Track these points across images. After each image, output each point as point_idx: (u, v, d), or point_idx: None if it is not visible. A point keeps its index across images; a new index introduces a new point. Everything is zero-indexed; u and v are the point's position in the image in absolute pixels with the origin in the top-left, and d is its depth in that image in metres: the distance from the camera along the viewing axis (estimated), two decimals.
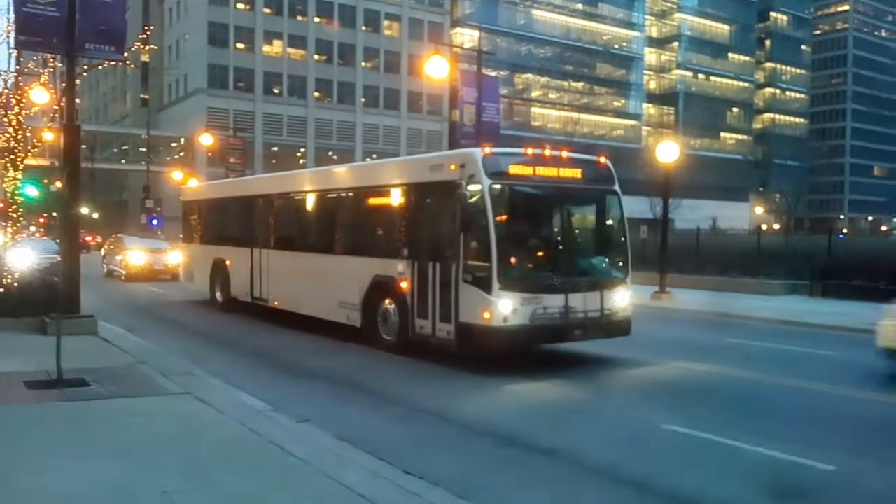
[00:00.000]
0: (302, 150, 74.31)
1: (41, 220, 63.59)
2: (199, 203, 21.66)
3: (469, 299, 10.96)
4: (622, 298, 12.01)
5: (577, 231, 12.63)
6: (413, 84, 77.36)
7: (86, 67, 17.70)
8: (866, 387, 10.85)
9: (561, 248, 12.30)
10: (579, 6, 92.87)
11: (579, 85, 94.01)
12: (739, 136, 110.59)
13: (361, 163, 14.34)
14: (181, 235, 22.55)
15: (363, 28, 77.89)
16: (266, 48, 73.81)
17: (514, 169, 11.39)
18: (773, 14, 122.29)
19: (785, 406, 9.74)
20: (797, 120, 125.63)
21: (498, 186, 11.04)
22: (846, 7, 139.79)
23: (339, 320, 14.09)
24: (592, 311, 11.48)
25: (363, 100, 78.01)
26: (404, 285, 12.23)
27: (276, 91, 74.10)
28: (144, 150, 59.69)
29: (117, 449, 6.60)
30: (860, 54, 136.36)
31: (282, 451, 6.57)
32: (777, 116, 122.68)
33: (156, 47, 71.43)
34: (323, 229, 15.42)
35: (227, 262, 18.74)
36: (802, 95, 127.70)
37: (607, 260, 12.61)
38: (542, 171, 11.64)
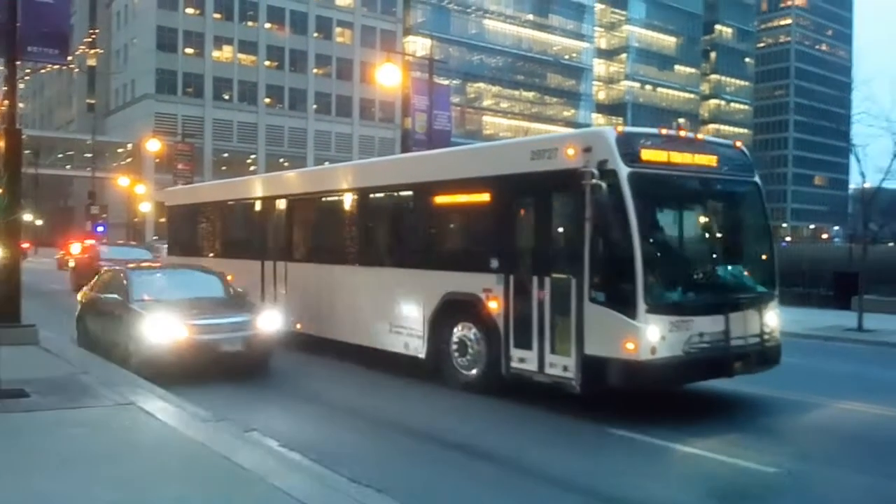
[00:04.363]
0: (252, 156, 73.53)
1: None
2: (193, 208, 18.55)
3: (601, 325, 8.56)
4: (774, 319, 9.73)
5: (724, 233, 10.06)
6: (365, 91, 77.18)
7: (28, 71, 17.34)
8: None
9: (713, 255, 9.80)
10: (530, 17, 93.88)
11: (530, 94, 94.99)
12: None
13: (428, 152, 11.49)
14: (166, 247, 19.44)
15: (315, 35, 77.48)
16: (216, 53, 72.92)
17: (650, 154, 8.97)
18: (718, 27, 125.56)
19: None
20: (741, 130, 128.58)
21: (639, 176, 8.59)
22: (788, 21, 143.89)
23: (392, 349, 11.66)
24: (752, 336, 9.27)
25: (315, 107, 77.55)
26: (493, 306, 9.83)
27: (226, 97, 73.25)
28: (90, 155, 58.45)
29: (57, 461, 6.46)
30: (802, 67, 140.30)
31: (227, 461, 6.49)
32: (722, 127, 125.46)
33: (102, 51, 70.26)
34: (369, 236, 12.78)
35: (229, 278, 16.20)
36: (746, 107, 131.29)
37: (756, 269, 10.22)
38: (680, 156, 9.31)
